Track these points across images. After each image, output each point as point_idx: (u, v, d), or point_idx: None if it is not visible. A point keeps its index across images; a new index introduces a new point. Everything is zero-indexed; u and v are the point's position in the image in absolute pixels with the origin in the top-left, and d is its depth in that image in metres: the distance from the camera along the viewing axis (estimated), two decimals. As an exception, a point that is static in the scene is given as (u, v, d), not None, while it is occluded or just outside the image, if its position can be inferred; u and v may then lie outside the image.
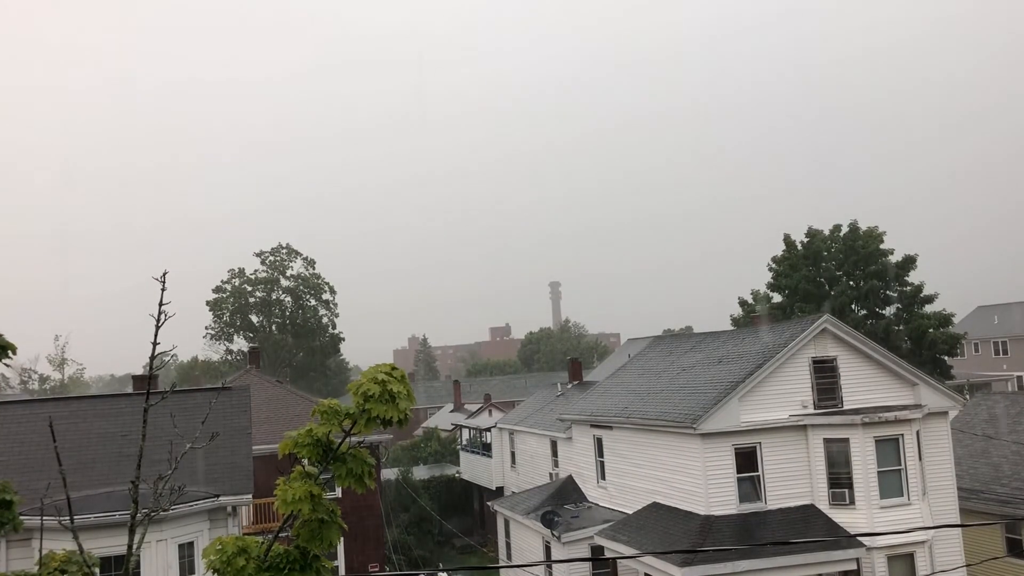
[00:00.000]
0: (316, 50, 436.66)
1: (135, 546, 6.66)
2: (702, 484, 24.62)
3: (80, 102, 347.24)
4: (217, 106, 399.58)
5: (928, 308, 53.98)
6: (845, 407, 25.36)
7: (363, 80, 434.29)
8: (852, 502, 24.15)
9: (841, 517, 24.07)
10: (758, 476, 24.84)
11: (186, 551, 21.20)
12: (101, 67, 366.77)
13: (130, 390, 37.08)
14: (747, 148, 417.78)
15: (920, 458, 24.86)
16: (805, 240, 57.50)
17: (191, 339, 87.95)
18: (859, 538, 22.78)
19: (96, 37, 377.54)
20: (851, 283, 55.43)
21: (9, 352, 6.57)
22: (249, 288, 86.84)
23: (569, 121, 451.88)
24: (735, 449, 24.73)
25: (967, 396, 37.69)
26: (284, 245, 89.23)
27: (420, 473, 51.45)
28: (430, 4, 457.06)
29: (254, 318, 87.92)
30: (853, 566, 23.16)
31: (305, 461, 5.61)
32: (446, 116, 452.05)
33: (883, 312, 55.03)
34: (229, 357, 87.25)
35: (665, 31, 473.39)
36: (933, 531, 24.15)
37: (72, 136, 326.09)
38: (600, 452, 31.46)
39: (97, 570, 7.72)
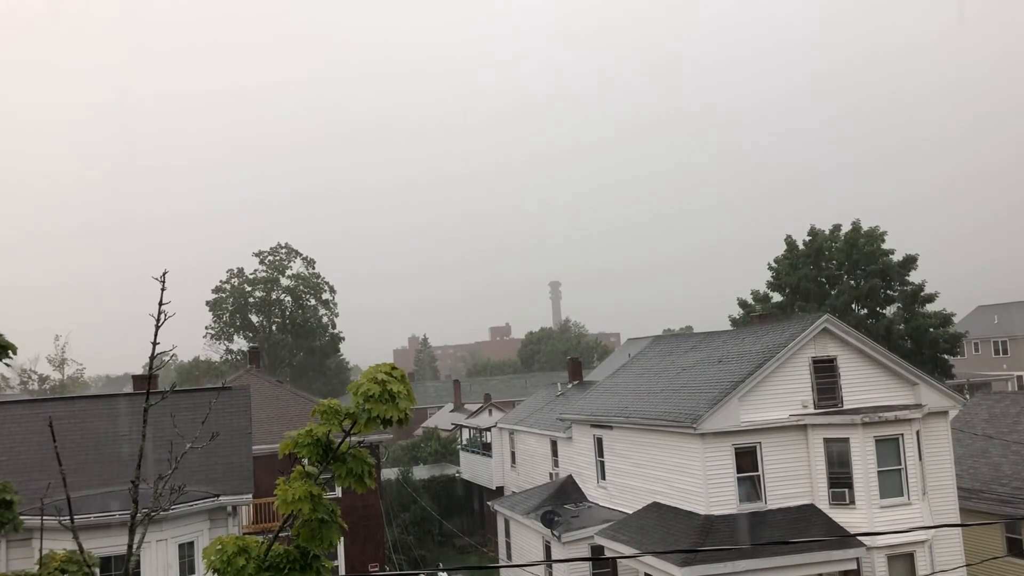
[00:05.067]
0: (321, 57, 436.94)
1: (135, 546, 6.66)
2: (702, 484, 24.61)
3: (81, 107, 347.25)
4: (218, 109, 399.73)
5: (928, 307, 53.97)
6: (845, 407, 25.35)
7: (367, 86, 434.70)
8: (852, 502, 24.14)
9: (841, 517, 24.06)
10: (758, 476, 24.84)
11: (186, 551, 21.20)
12: (103, 74, 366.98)
13: (130, 390, 37.09)
14: (749, 151, 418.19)
15: (920, 458, 24.86)
16: (808, 239, 57.46)
17: (191, 339, 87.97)
18: (859, 538, 22.78)
19: (100, 43, 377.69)
20: (852, 282, 55.41)
21: (9, 352, 6.57)
22: (248, 288, 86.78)
23: (570, 125, 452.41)
24: (735, 449, 24.72)
25: (967, 396, 37.68)
26: (283, 245, 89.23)
27: (420, 473, 51.43)
28: (436, 12, 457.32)
29: (254, 318, 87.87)
30: (853, 566, 23.16)
31: (305, 461, 5.60)
32: (448, 121, 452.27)
33: (884, 311, 55.02)
34: (229, 357, 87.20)
35: (667, 37, 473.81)
36: (933, 531, 24.15)
37: (72, 138, 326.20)
38: (600, 452, 31.45)
39: (97, 570, 7.73)
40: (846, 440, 24.33)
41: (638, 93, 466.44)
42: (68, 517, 6.98)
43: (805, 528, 23.89)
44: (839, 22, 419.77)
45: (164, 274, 6.64)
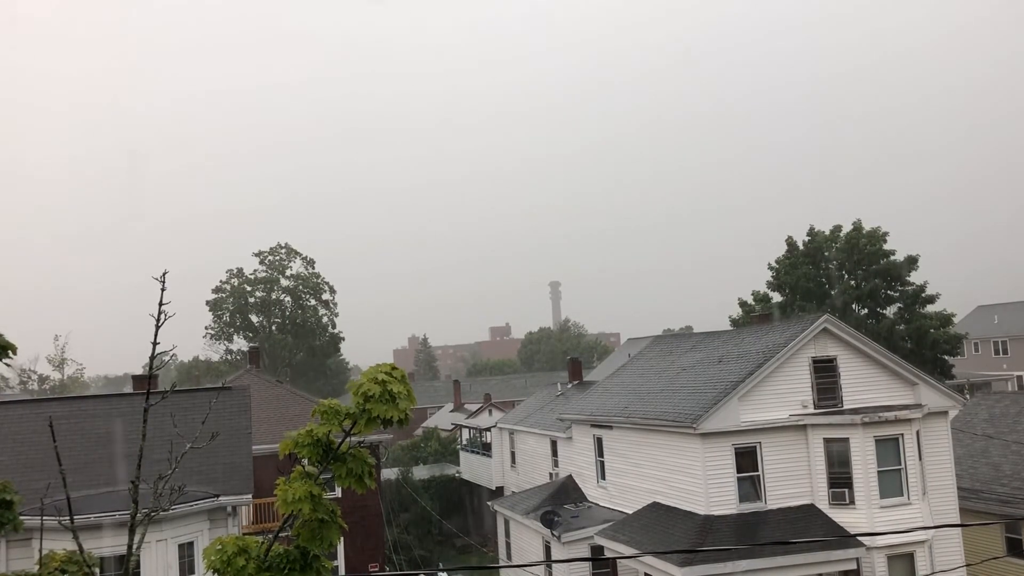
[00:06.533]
0: (320, 57, 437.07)
1: (135, 546, 6.66)
2: (702, 484, 24.61)
3: (81, 109, 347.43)
4: (217, 110, 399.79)
5: (929, 308, 53.98)
6: (845, 407, 25.35)
7: (368, 86, 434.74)
8: (852, 502, 24.14)
9: (841, 517, 24.06)
10: (758, 476, 24.83)
11: (186, 551, 21.20)
12: (104, 77, 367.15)
13: (130, 390, 37.08)
14: (750, 153, 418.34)
15: (920, 458, 24.85)
16: (807, 240, 57.48)
17: (191, 339, 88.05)
18: (859, 538, 22.78)
19: (100, 46, 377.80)
20: (852, 283, 55.42)
21: (9, 352, 6.57)
22: (248, 288, 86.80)
23: (571, 126, 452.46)
24: (735, 449, 24.72)
25: (967, 396, 37.67)
26: (283, 245, 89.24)
27: (420, 473, 51.44)
28: (437, 12, 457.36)
29: (254, 318, 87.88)
30: (853, 566, 23.16)
31: (305, 461, 5.60)
32: (449, 121, 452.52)
33: (884, 312, 55.03)
34: (229, 357, 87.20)
35: (668, 39, 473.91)
36: (933, 531, 24.14)
37: (72, 140, 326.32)
38: (600, 452, 31.45)
39: (97, 570, 7.73)
40: (846, 440, 24.33)
41: (639, 94, 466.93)
42: (68, 517, 6.98)
43: (805, 528, 23.89)
44: (841, 25, 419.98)
45: (164, 274, 6.64)
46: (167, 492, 8.38)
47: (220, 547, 5.49)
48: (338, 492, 29.73)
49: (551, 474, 37.24)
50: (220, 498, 21.91)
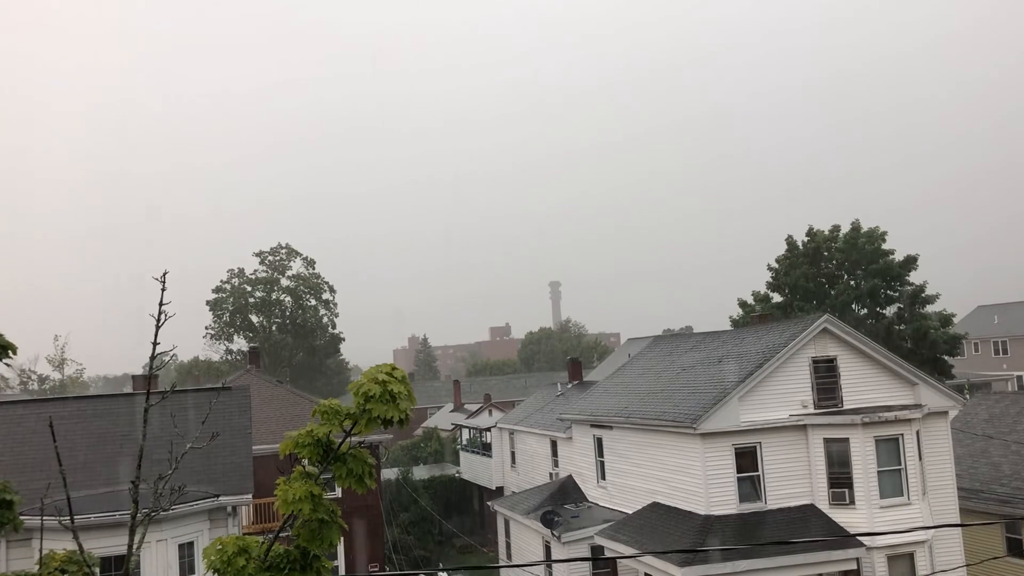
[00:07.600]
0: (322, 58, 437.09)
1: (135, 546, 6.66)
2: (702, 484, 24.61)
3: (84, 109, 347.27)
4: (218, 110, 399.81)
5: (929, 308, 53.93)
6: (845, 407, 25.35)
7: (369, 86, 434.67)
8: (852, 502, 24.14)
9: (841, 517, 24.06)
10: (758, 476, 24.83)
11: (186, 551, 21.20)
12: (109, 78, 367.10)
13: (130, 390, 37.08)
14: (752, 154, 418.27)
15: (920, 458, 24.85)
16: (806, 240, 57.44)
17: (191, 339, 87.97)
18: (859, 538, 22.78)
19: (100, 47, 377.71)
20: (852, 282, 55.38)
21: (9, 352, 6.57)
22: (249, 288, 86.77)
23: (572, 127, 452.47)
24: (735, 449, 24.72)
25: (967, 396, 37.65)
26: (283, 245, 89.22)
27: (420, 473, 51.43)
28: (438, 12, 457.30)
29: (254, 318, 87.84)
30: (853, 566, 23.16)
31: (305, 461, 5.60)
32: (449, 121, 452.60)
33: (884, 312, 54.97)
34: (229, 357, 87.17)
35: (670, 41, 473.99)
36: (933, 531, 24.14)
37: (71, 139, 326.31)
38: (600, 452, 31.44)
39: (97, 570, 7.74)
40: (846, 440, 24.32)
41: (639, 94, 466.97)
42: (68, 517, 6.98)
43: (805, 528, 23.88)
44: (842, 26, 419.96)
45: (164, 274, 6.64)
46: (167, 492, 8.38)
47: (220, 547, 5.49)
48: (338, 492, 29.74)
49: (551, 474, 37.24)
50: (220, 498, 21.91)
